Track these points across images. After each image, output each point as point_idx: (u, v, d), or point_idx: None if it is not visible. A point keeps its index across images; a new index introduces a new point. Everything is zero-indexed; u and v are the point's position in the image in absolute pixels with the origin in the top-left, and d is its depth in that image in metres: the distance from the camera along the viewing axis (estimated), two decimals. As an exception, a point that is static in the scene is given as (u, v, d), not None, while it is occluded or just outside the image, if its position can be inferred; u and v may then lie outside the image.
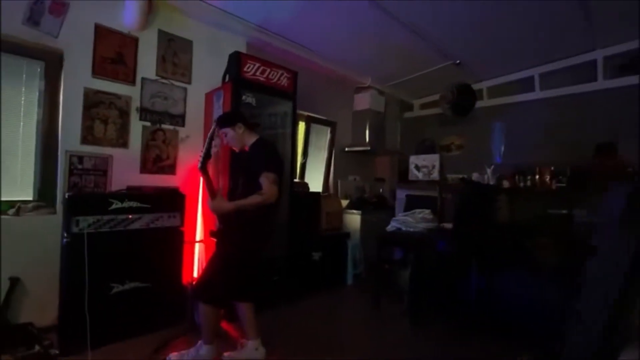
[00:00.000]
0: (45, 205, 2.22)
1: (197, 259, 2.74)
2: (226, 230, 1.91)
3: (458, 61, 3.94)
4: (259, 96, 2.63)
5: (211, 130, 1.89)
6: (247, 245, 1.86)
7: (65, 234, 1.94)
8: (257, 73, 2.61)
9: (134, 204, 2.19)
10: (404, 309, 2.68)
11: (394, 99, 4.92)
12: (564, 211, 2.59)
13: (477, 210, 2.51)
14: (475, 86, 4.23)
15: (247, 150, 1.93)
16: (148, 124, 2.65)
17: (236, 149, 1.98)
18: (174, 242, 2.37)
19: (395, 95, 4.95)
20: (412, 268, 2.57)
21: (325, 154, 4.32)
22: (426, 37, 3.37)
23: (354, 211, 3.96)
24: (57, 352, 1.90)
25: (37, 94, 2.21)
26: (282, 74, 2.77)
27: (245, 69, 2.54)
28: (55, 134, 2.25)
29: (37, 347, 1.93)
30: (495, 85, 4.53)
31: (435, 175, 2.85)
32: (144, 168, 2.64)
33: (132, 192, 2.21)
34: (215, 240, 2.18)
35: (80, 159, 2.33)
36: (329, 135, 4.32)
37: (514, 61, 4.04)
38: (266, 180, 1.72)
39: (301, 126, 3.88)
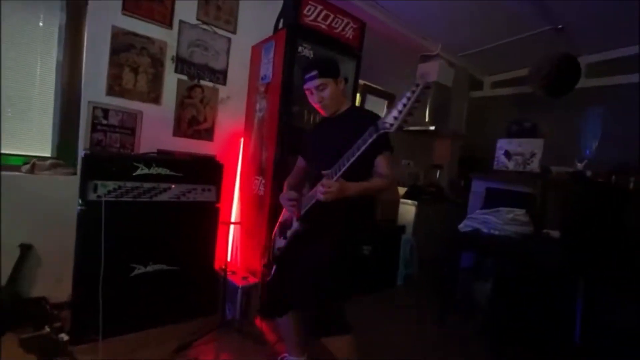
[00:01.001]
0: (64, 164, 1.89)
1: (231, 243, 2.35)
2: (330, 219, 1.37)
3: (560, 26, 3.13)
4: (317, 49, 2.10)
5: (419, 89, 1.01)
6: (353, 240, 1.42)
7: (80, 201, 1.58)
8: (319, 19, 2.07)
9: (163, 170, 1.80)
10: (478, 328, 2.14)
11: (464, 73, 4.17)
12: None
13: (595, 217, 1.86)
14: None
15: (340, 118, 1.42)
16: (185, 77, 2.23)
17: (325, 113, 1.43)
18: (208, 221, 1.97)
19: (467, 68, 4.19)
20: (496, 280, 2.00)
21: (379, 132, 3.74)
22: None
23: (408, 201, 3.40)
24: (66, 338, 1.60)
25: (57, 29, 1.82)
26: (347, 24, 2.21)
27: (305, 12, 2.00)
28: (77, 80, 1.88)
29: (46, 329, 1.65)
30: (598, 62, 3.65)
31: (534, 165, 2.20)
32: (178, 130, 2.24)
33: (163, 157, 1.81)
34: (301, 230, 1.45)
35: (106, 112, 1.95)
36: (385, 111, 3.71)
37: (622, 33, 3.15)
38: (385, 162, 1.31)
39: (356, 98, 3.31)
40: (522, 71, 3.83)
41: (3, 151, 1.75)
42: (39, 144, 1.86)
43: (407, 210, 3.38)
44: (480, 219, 2.33)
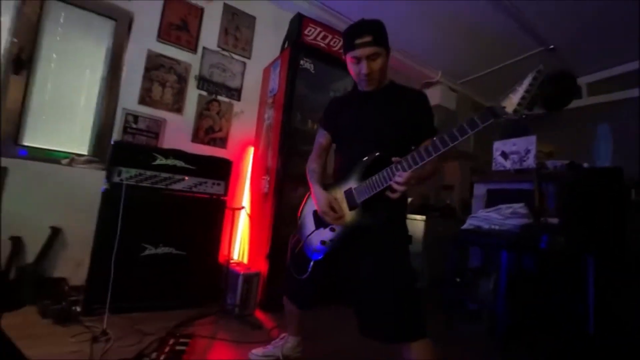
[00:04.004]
0: (98, 161, 2.18)
1: (239, 239, 2.48)
2: (393, 214, 1.21)
3: (552, 46, 3.34)
4: (318, 64, 2.41)
5: (541, 74, 0.89)
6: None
7: (106, 181, 1.83)
8: (318, 38, 2.40)
9: (179, 162, 2.04)
10: (485, 328, 2.04)
11: (466, 99, 4.38)
12: None
13: (594, 204, 1.85)
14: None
15: (385, 94, 1.27)
16: (204, 93, 2.58)
17: (367, 87, 1.26)
18: (215, 212, 2.14)
19: (468, 94, 4.42)
20: (498, 274, 1.96)
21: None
22: (511, 15, 2.89)
23: (417, 216, 3.42)
24: (79, 309, 1.73)
25: (105, 50, 2.25)
26: (344, 43, 2.52)
27: (306, 32, 2.35)
28: (116, 91, 2.26)
29: (63, 303, 1.79)
30: (598, 81, 3.75)
31: (530, 162, 2.25)
32: (196, 137, 2.53)
33: (178, 151, 2.06)
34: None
35: (136, 118, 2.29)
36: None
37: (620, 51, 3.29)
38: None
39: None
40: (524, 93, 3.98)
41: (49, 147, 2.08)
42: (79, 142, 2.19)
43: (416, 225, 3.38)
44: (482, 217, 2.34)
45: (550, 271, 1.88)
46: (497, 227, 2.19)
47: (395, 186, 1.03)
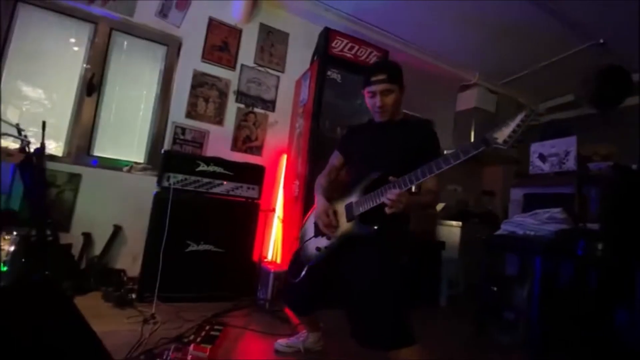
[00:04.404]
0: (152, 168, 2.50)
1: (272, 240, 2.65)
2: (388, 228, 1.25)
3: (602, 40, 3.09)
4: (344, 73, 2.52)
5: (533, 113, 1.03)
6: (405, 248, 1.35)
7: (157, 185, 2.10)
8: (345, 49, 2.52)
9: (218, 169, 2.26)
10: (521, 338, 1.95)
11: (509, 100, 4.17)
12: None
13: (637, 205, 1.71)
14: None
15: (397, 125, 1.39)
16: (242, 106, 2.82)
17: (381, 118, 1.38)
18: (250, 214, 2.33)
19: (510, 95, 4.21)
20: (535, 281, 1.87)
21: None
22: (552, 13, 2.75)
23: (453, 222, 3.34)
24: (134, 296, 2.00)
25: (158, 73, 2.59)
26: (371, 52, 2.62)
27: (333, 45, 2.48)
28: (167, 107, 2.58)
29: (121, 291, 2.07)
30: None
31: (570, 164, 2.12)
32: (234, 146, 2.77)
33: (217, 158, 2.30)
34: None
35: (183, 130, 2.59)
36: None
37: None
38: (436, 180, 1.26)
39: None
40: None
41: (114, 156, 2.44)
42: (137, 152, 2.53)
43: (451, 231, 3.30)
44: (516, 222, 2.24)
45: (591, 279, 1.76)
46: (532, 233, 2.09)
47: (387, 202, 1.13)
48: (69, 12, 2.40)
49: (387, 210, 1.13)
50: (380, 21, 3.08)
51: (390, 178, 1.16)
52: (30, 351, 0.85)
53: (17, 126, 1.98)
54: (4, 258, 1.79)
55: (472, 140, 3.66)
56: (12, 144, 2.08)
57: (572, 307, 1.78)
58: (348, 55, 2.53)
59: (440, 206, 3.35)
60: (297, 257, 1.45)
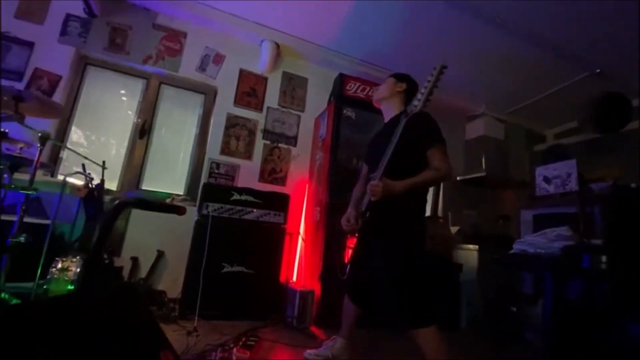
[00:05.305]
0: (191, 199, 2.83)
1: (297, 262, 2.86)
2: (387, 222, 1.48)
3: (598, 70, 3.33)
4: (358, 111, 2.84)
5: (436, 71, 1.45)
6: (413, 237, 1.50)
7: (197, 214, 2.40)
8: (358, 91, 2.87)
9: (249, 197, 2.56)
10: (539, 354, 2.02)
11: (517, 128, 4.38)
12: None
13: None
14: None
15: (388, 123, 1.64)
16: (268, 142, 3.18)
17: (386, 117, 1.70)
18: (277, 238, 2.58)
19: (519, 123, 4.42)
20: (547, 295, 1.98)
21: (433, 184, 4.06)
22: (550, 45, 3.03)
23: (470, 246, 3.44)
24: (176, 314, 2.23)
25: (197, 117, 3.01)
26: (381, 92, 2.94)
27: (347, 87, 2.84)
28: (204, 146, 2.96)
29: (164, 309, 2.32)
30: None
31: (572, 185, 2.28)
32: (262, 177, 3.09)
33: (248, 189, 2.60)
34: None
35: (218, 165, 2.94)
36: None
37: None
38: (437, 154, 1.42)
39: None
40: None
41: (158, 189, 2.80)
42: (178, 185, 2.89)
43: (469, 254, 3.39)
44: (528, 242, 2.37)
45: (599, 293, 1.85)
46: (542, 251, 2.22)
47: (368, 192, 1.39)
48: (126, 70, 2.90)
49: (372, 198, 1.38)
50: (387, 63, 3.45)
51: (370, 176, 1.46)
52: (124, 338, 1.10)
53: (83, 166, 2.38)
54: (71, 278, 2.09)
55: (484, 167, 3.87)
56: (79, 181, 2.47)
57: (582, 321, 1.87)
58: (361, 95, 2.87)
59: (454, 230, 3.49)
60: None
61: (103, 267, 2.22)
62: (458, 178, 4.04)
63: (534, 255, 2.25)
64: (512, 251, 2.45)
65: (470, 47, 3.16)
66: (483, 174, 3.78)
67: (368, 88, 2.90)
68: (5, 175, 1.64)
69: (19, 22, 2.56)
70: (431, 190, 4.01)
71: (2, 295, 1.41)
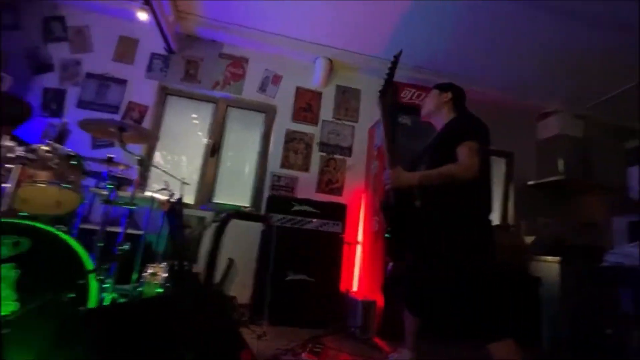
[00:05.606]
0: (255, 210, 3.03)
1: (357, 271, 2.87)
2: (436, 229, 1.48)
3: None
4: (414, 118, 2.79)
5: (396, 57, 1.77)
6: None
7: (263, 225, 2.57)
8: (413, 97, 2.83)
9: (308, 208, 2.66)
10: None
11: (600, 123, 3.87)
12: None
13: None
14: None
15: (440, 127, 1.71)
16: (324, 154, 3.28)
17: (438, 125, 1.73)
18: (335, 247, 2.63)
19: (601, 118, 3.90)
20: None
21: (501, 189, 3.78)
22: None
23: (549, 257, 3.10)
24: (246, 319, 2.39)
25: (259, 134, 3.25)
26: (438, 97, 2.86)
27: (402, 95, 2.82)
28: (265, 160, 3.17)
29: (235, 314, 2.50)
30: None
31: (677, 185, 1.95)
32: (319, 188, 3.19)
33: (308, 199, 2.71)
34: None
35: (279, 178, 3.12)
36: (504, 168, 3.80)
37: None
38: (465, 150, 1.36)
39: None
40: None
41: (225, 202, 3.06)
42: (245, 198, 3.12)
43: (549, 267, 3.05)
44: (624, 253, 2.09)
45: None
46: (642, 263, 1.93)
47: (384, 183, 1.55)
48: (198, 97, 3.26)
49: (386, 187, 1.55)
50: (441, 66, 3.34)
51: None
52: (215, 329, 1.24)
53: (166, 183, 2.71)
54: (160, 282, 2.38)
55: (561, 169, 3.48)
56: (163, 197, 2.82)
57: None
58: (416, 102, 2.83)
59: (529, 239, 3.18)
60: None
61: (184, 273, 2.49)
62: (530, 183, 3.69)
63: (632, 268, 1.96)
64: (604, 264, 2.17)
65: (540, 42, 2.92)
66: (561, 177, 3.41)
67: (423, 94, 2.84)
68: (112, 194, 1.96)
69: (115, 64, 3.06)
70: (498, 197, 3.73)
71: (114, 294, 1.68)
